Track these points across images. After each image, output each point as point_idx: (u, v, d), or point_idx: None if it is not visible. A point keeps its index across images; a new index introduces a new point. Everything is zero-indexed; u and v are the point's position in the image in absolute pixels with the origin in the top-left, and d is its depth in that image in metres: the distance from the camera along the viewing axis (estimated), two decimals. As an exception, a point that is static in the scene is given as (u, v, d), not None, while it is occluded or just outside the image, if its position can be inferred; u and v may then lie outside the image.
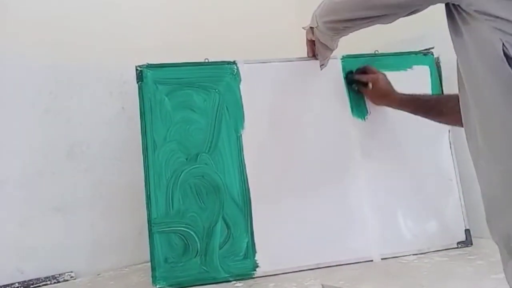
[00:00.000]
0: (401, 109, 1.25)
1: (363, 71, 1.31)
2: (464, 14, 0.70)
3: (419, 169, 1.31)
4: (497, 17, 0.64)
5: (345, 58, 1.32)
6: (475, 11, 0.67)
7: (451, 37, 0.75)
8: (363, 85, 1.29)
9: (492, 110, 0.67)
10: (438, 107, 1.15)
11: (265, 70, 1.28)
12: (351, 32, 1.07)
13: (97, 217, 1.40)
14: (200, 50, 1.26)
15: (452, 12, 0.74)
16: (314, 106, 1.29)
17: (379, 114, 1.31)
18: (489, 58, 0.66)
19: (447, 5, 0.75)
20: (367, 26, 0.98)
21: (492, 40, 0.65)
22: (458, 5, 0.71)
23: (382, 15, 0.89)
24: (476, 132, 0.72)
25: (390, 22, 0.92)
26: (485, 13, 0.66)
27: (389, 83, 1.27)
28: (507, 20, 0.63)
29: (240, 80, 1.25)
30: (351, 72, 1.32)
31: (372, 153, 1.29)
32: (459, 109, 0.77)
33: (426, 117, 1.19)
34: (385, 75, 1.28)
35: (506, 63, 0.63)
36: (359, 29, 1.02)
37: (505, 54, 0.63)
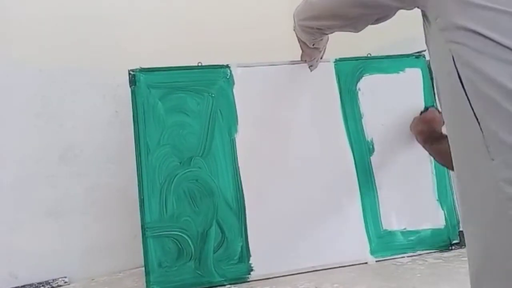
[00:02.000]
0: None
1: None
2: (428, 25, 0.69)
3: (413, 171, 1.31)
4: (456, 26, 0.60)
5: (337, 62, 1.33)
6: (436, 19, 0.65)
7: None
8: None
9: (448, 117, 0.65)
10: None
11: (259, 74, 1.28)
12: (325, 34, 1.05)
13: (90, 222, 1.39)
14: (193, 54, 1.26)
15: (424, 22, 0.73)
16: (307, 109, 1.29)
17: (372, 117, 1.31)
18: (444, 71, 0.64)
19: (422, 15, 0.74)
20: (339, 30, 0.96)
21: (446, 54, 0.62)
22: (426, 17, 0.69)
23: (354, 17, 0.86)
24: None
25: (360, 30, 0.90)
26: (440, 17, 0.63)
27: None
28: (459, 27, 0.60)
29: (234, 84, 1.26)
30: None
31: (365, 155, 1.29)
32: None
33: None
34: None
35: (457, 75, 0.61)
36: (331, 32, 1.01)
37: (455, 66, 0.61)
